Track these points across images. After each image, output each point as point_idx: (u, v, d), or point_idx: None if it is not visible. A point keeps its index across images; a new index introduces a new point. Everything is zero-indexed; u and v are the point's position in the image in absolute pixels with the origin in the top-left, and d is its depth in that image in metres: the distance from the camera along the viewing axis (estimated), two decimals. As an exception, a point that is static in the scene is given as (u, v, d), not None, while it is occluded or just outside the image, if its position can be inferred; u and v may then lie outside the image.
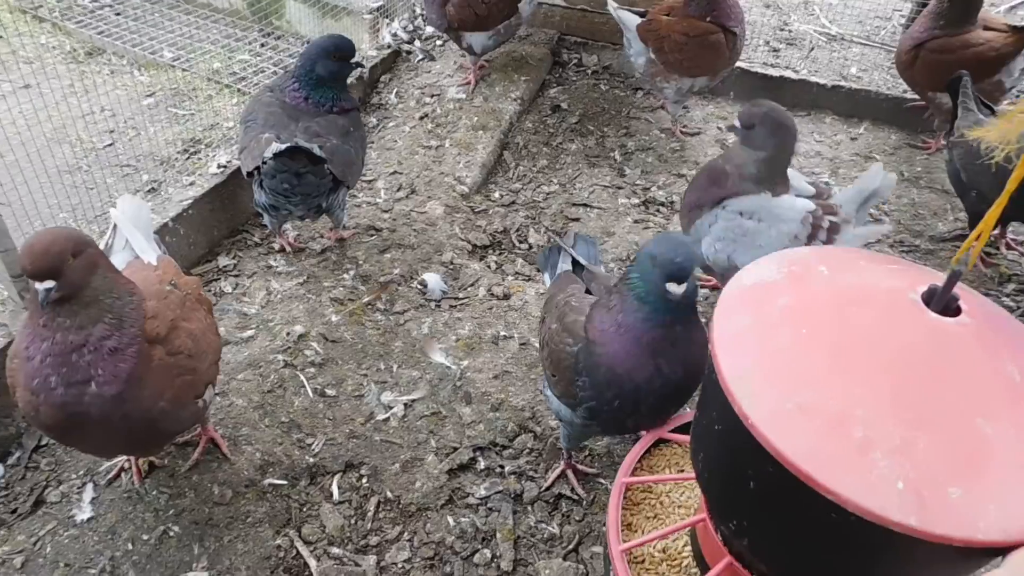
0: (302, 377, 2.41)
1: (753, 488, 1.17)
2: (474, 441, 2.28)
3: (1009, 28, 3.19)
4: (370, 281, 2.79)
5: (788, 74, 3.85)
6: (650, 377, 1.73)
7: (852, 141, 3.67)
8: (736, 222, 2.36)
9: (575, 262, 2.19)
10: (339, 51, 2.60)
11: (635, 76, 3.93)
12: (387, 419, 2.34)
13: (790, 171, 2.42)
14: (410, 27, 4.11)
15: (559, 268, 2.25)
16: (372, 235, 2.99)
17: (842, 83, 3.79)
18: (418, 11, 4.20)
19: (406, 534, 2.08)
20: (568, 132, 3.68)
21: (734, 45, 3.30)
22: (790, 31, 4.64)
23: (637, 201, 3.30)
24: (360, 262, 2.86)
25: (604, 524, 2.07)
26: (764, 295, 1.26)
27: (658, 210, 3.26)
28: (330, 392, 2.39)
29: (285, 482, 2.15)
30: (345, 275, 2.80)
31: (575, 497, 2.16)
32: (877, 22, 4.74)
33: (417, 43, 4.04)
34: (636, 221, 3.19)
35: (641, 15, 3.39)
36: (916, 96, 3.62)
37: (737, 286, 1.29)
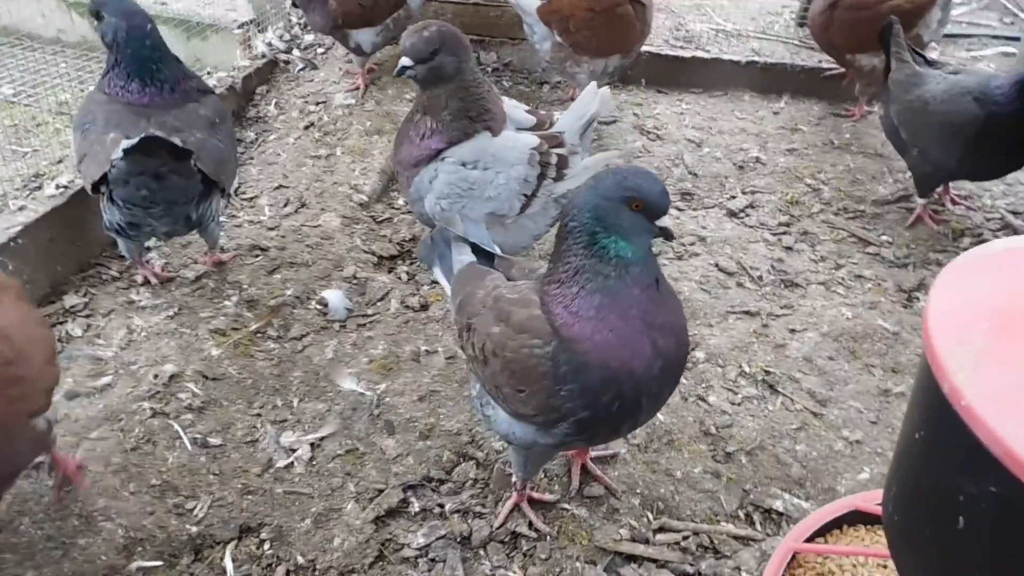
0: (176, 427, 1.91)
1: (964, 526, 0.76)
2: (403, 479, 1.83)
3: None
4: (258, 306, 2.32)
5: (699, 54, 3.63)
6: (649, 362, 1.34)
7: (775, 115, 3.45)
8: (460, 174, 2.10)
9: (478, 250, 1.76)
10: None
11: (540, 69, 3.63)
12: (290, 465, 1.86)
13: (506, 100, 2.22)
14: (287, 36, 3.70)
15: (455, 260, 1.78)
16: (257, 255, 2.52)
17: (756, 59, 3.59)
18: (295, 20, 3.80)
19: (327, 608, 1.60)
20: (473, 132, 3.32)
21: (644, 15, 3.04)
22: (687, 31, 4.46)
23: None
24: (244, 286, 2.39)
25: (577, 559, 1.65)
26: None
27: (583, 202, 2.91)
28: (214, 441, 1.90)
29: (160, 563, 1.64)
30: (227, 302, 2.32)
31: (535, 534, 1.73)
32: (769, 17, 4.63)
33: (296, 52, 3.63)
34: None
35: (539, -3, 3.08)
36: (833, 64, 3.45)
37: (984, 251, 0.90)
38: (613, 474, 1.85)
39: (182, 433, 1.90)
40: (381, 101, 3.30)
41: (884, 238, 2.75)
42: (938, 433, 0.80)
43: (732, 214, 2.86)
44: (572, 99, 3.44)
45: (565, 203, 2.16)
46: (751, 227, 2.80)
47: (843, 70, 3.39)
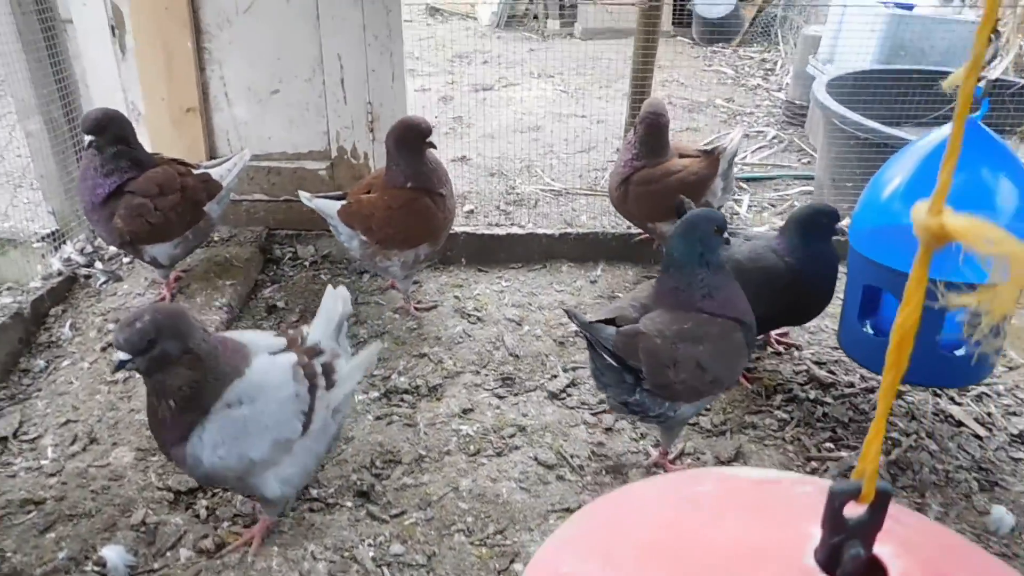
0: None
1: None
2: None
3: (701, 153, 3.30)
4: (22, 580, 2.04)
5: (515, 231, 3.71)
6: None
7: (592, 284, 3.53)
8: (228, 419, 1.96)
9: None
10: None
11: (356, 260, 3.61)
12: None
13: (246, 333, 2.21)
14: (88, 248, 3.54)
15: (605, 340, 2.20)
16: (30, 511, 2.26)
17: (569, 230, 3.70)
18: (98, 230, 3.66)
19: None
20: (289, 332, 3.21)
21: (444, 205, 3.08)
22: (517, 193, 4.63)
23: (377, 394, 2.84)
24: (8, 554, 2.11)
25: None
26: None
27: (402, 399, 2.82)
28: None
29: None
30: (-17, 581, 2.04)
31: None
32: (594, 174, 4.90)
33: (99, 264, 3.47)
34: (378, 417, 2.72)
35: (340, 198, 3.08)
36: (640, 229, 3.61)
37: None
38: None
39: None
40: (189, 310, 3.16)
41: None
42: None
43: (553, 396, 2.83)
44: (392, 287, 3.43)
45: (340, 418, 2.18)
46: (572, 408, 2.76)
47: (648, 235, 3.54)
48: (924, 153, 2.35)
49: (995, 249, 0.65)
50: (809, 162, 5.47)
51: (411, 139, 2.97)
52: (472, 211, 4.39)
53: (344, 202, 3.05)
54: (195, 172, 3.12)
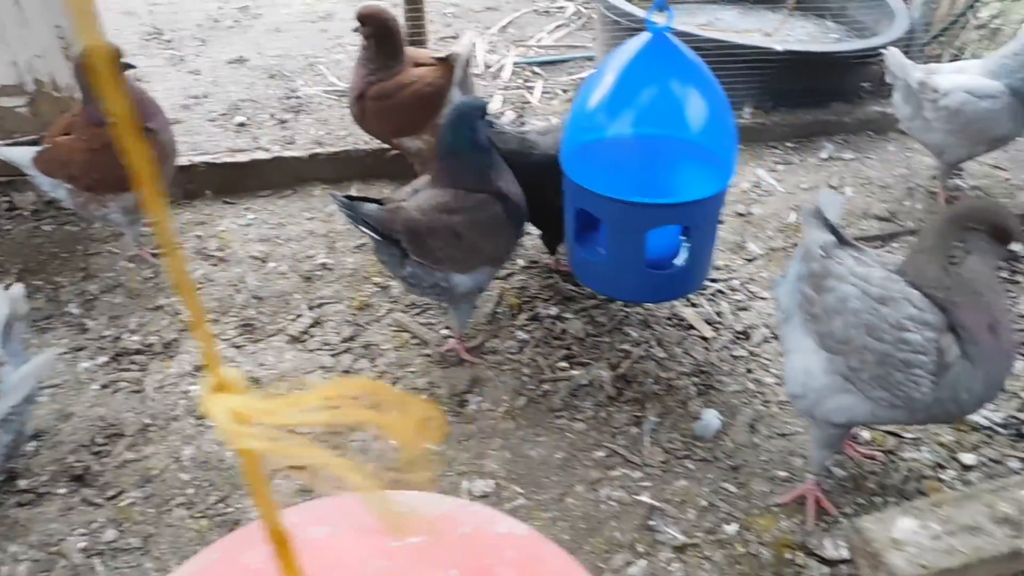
0: None
1: None
2: None
3: (436, 60, 3.12)
4: None
5: (260, 155, 3.46)
6: None
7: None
8: None
9: None
10: None
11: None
12: None
13: None
14: None
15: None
16: None
17: (319, 150, 3.49)
18: None
19: None
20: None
21: (157, 140, 2.78)
22: (298, 98, 4.31)
23: (105, 359, 2.65)
24: None
25: None
26: None
27: (132, 362, 2.64)
28: None
29: None
30: None
31: None
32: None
33: None
34: (104, 386, 2.55)
35: (34, 143, 2.73)
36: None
37: None
38: None
39: None
40: None
41: (444, 332, 2.74)
42: None
43: (295, 340, 2.72)
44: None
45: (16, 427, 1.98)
46: (312, 351, 2.68)
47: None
48: (623, 64, 2.29)
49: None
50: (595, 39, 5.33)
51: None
52: (243, 124, 4.07)
53: (39, 148, 2.72)
54: None
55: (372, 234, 2.30)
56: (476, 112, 2.34)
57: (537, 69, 4.97)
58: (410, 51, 3.17)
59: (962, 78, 3.19)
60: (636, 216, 2.23)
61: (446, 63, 3.09)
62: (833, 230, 1.93)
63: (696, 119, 2.29)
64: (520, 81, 4.79)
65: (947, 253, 1.77)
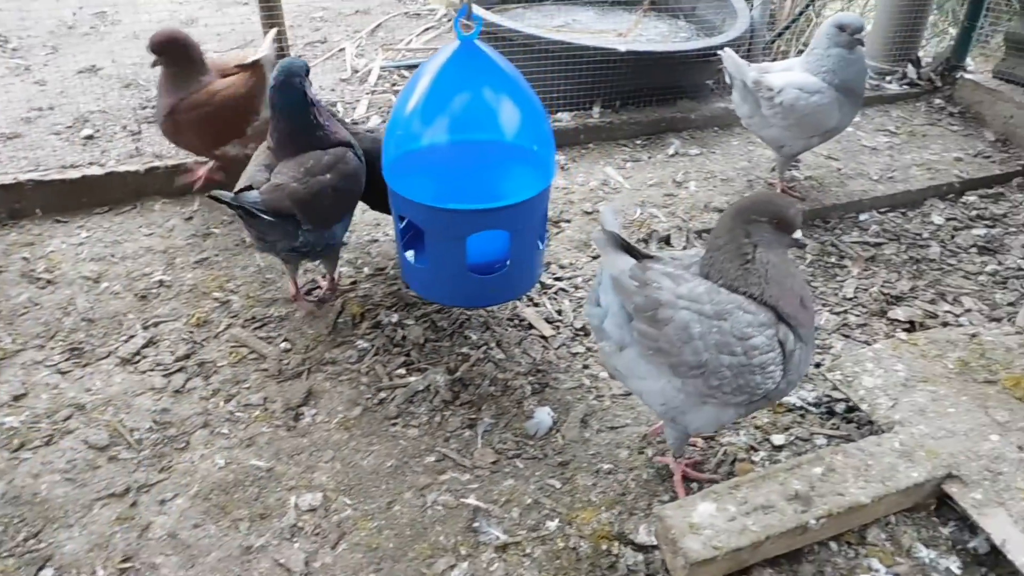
0: None
1: None
2: None
3: (239, 68, 3.14)
4: None
5: (93, 171, 3.33)
6: None
7: (187, 221, 3.29)
8: None
9: None
10: None
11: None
12: None
13: None
14: None
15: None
16: None
17: (158, 163, 3.39)
18: None
19: None
20: None
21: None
22: (153, 107, 4.17)
23: (-86, 394, 2.50)
24: None
25: None
26: None
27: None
28: None
29: None
30: None
31: None
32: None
33: None
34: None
35: None
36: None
37: None
38: None
39: None
40: None
41: (284, 345, 2.70)
42: None
43: (125, 361, 2.63)
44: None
45: None
46: (143, 373, 2.59)
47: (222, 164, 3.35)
48: (434, 73, 2.30)
49: None
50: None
51: None
52: (91, 136, 3.91)
53: None
54: None
55: (266, 218, 2.38)
56: (301, 70, 2.47)
57: (405, 72, 4.96)
58: (213, 62, 3.17)
59: (792, 75, 3.35)
60: (451, 222, 2.24)
61: (255, 67, 3.11)
62: (626, 247, 1.96)
63: (510, 124, 2.33)
64: (387, 85, 4.78)
65: (740, 250, 1.86)
